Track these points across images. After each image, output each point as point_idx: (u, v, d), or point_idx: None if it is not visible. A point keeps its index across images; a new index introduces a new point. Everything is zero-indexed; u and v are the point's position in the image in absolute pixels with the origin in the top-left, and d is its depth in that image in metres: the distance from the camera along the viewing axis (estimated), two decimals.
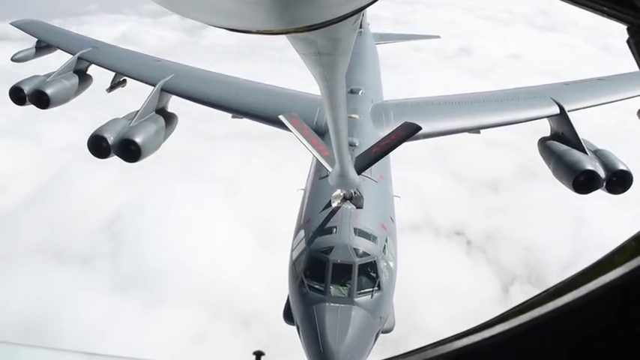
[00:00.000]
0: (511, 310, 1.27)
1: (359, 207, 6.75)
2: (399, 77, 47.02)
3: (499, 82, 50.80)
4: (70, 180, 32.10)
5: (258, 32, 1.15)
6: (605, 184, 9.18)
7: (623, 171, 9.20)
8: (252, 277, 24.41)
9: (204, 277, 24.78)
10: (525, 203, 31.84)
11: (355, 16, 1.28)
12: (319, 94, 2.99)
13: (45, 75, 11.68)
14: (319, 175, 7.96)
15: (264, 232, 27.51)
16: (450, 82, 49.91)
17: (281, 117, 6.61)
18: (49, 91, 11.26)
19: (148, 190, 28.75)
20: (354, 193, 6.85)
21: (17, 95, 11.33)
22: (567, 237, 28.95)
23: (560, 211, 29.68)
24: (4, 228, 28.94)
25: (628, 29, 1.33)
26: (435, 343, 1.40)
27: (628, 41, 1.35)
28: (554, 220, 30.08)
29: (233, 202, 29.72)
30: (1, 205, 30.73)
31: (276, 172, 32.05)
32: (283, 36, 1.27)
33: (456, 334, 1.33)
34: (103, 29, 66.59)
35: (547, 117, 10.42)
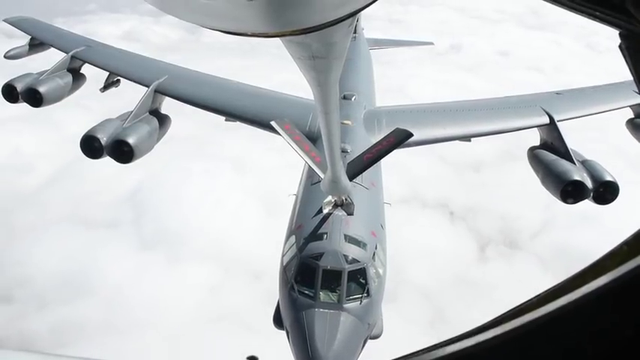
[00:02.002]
0: (504, 314, 1.28)
1: (350, 214, 6.98)
2: (392, 72, 51.57)
3: (486, 76, 55.86)
4: (89, 160, 36.34)
5: (253, 35, 1.18)
6: (592, 194, 9.38)
7: (610, 182, 9.40)
8: (260, 239, 28.64)
9: (218, 239, 29.19)
10: (503, 181, 36.26)
11: (350, 19, 1.32)
12: (313, 99, 3.08)
13: (38, 73, 11.78)
14: (311, 181, 8.15)
15: (269, 202, 31.79)
16: (440, 77, 54.43)
17: (272, 123, 6.90)
18: (41, 89, 11.38)
19: (163, 167, 32.86)
20: (345, 199, 7.07)
21: (10, 93, 11.50)
22: (538, 209, 33.38)
23: (534, 187, 34.24)
24: (34, 202, 33.25)
25: (620, 34, 1.25)
26: (428, 348, 1.39)
27: (620, 46, 1.26)
28: (527, 194, 34.50)
29: (241, 177, 34.10)
30: (30, 182, 35.05)
31: (277, 154, 36.43)
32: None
33: (449, 339, 1.31)
34: (107, 27, 71.18)
35: (537, 126, 10.74)
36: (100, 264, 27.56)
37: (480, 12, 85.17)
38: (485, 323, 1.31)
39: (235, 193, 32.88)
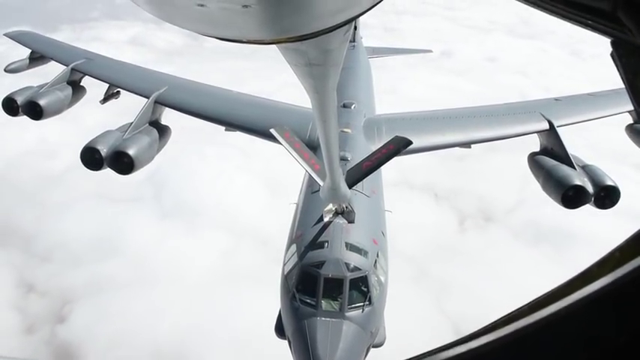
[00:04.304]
0: (497, 321, 1.30)
1: (350, 221, 7.12)
2: (385, 75, 57.11)
3: (474, 79, 61.55)
4: None
5: (249, 42, 1.22)
6: (593, 199, 9.55)
7: (611, 186, 9.61)
8: (266, 213, 33.75)
9: (230, 212, 34.53)
10: (484, 169, 41.62)
11: (346, 26, 1.38)
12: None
13: (38, 86, 12.06)
14: (311, 189, 8.31)
15: (273, 184, 37.02)
16: (430, 80, 60.02)
17: (272, 130, 7.03)
18: (42, 102, 11.64)
19: (179, 151, 37.86)
20: (346, 207, 7.22)
21: (10, 106, 11.75)
22: (514, 191, 38.81)
23: (511, 172, 39.62)
24: (61, 182, 38.37)
25: (612, 43, 1.28)
26: (419, 356, 1.45)
27: (612, 55, 1.29)
28: (505, 179, 40.07)
29: (249, 161, 39.32)
30: (55, 166, 40.19)
31: (279, 146, 41.85)
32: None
33: (442, 346, 1.36)
34: (113, 34, 77.02)
35: (536, 132, 11.02)
36: (125, 230, 32.80)
37: (471, 21, 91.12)
38: (478, 330, 1.33)
39: (244, 175, 38.27)
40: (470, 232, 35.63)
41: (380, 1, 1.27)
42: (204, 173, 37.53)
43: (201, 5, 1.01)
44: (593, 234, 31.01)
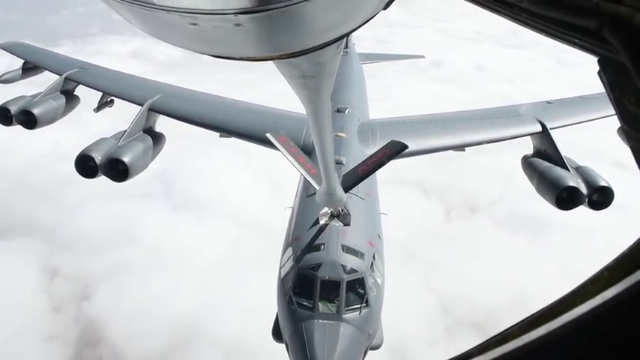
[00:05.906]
0: (488, 341, 1.30)
1: (346, 224, 7.39)
2: (376, 83, 60.95)
3: (463, 87, 65.69)
4: None
5: (242, 59, 1.25)
6: (587, 200, 9.76)
7: (604, 187, 9.80)
8: (267, 207, 37.22)
9: (234, 206, 38.19)
10: (470, 166, 45.52)
11: (338, 41, 1.39)
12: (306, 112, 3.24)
13: (32, 95, 12.23)
14: (307, 193, 8.55)
15: (273, 181, 40.61)
16: (420, 87, 64.09)
17: (268, 135, 7.27)
18: (35, 111, 11.81)
19: (185, 152, 41.70)
20: (342, 210, 7.48)
21: (4, 115, 11.88)
22: (497, 185, 42.72)
23: (495, 169, 43.56)
24: (75, 182, 41.84)
25: (598, 61, 1.31)
26: None
27: (599, 73, 1.32)
28: (489, 175, 43.95)
29: (250, 162, 42.99)
30: (69, 168, 43.79)
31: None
32: None
33: None
34: (114, 47, 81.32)
35: (530, 135, 11.23)
36: (139, 222, 36.40)
37: (460, 33, 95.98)
38: (467, 351, 1.32)
39: (246, 173, 42.00)
40: (456, 221, 39.42)
41: (371, 18, 1.32)
42: (210, 172, 41.32)
43: (194, 24, 1.04)
44: (568, 222, 34.83)
